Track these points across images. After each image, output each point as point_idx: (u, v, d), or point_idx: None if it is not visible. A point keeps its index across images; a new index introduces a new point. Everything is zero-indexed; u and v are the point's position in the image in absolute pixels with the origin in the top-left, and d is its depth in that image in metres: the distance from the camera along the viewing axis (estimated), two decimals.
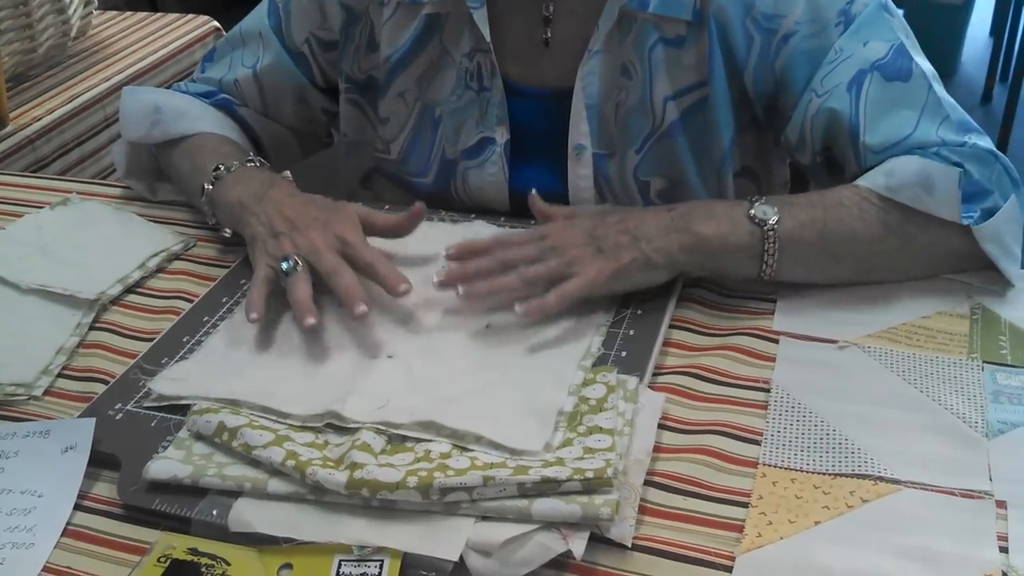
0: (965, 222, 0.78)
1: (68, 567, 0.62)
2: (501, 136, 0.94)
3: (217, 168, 0.90)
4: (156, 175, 1.05)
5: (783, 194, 1.02)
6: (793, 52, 0.86)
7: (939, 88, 0.85)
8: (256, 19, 1.04)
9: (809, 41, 0.85)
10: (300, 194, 0.88)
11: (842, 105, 0.84)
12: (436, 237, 0.91)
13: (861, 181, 0.81)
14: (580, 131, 0.92)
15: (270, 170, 0.93)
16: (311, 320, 0.75)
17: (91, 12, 1.70)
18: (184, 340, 0.79)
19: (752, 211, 0.79)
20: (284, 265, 0.79)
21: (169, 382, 0.74)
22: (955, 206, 0.78)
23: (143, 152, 1.03)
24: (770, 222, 0.78)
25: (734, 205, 0.81)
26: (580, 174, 0.93)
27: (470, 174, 0.96)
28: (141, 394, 0.74)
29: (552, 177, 0.94)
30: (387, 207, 0.97)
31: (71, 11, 1.62)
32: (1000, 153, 0.83)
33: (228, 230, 0.90)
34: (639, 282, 0.80)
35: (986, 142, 0.84)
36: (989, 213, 0.79)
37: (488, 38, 0.91)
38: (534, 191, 0.87)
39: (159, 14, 1.86)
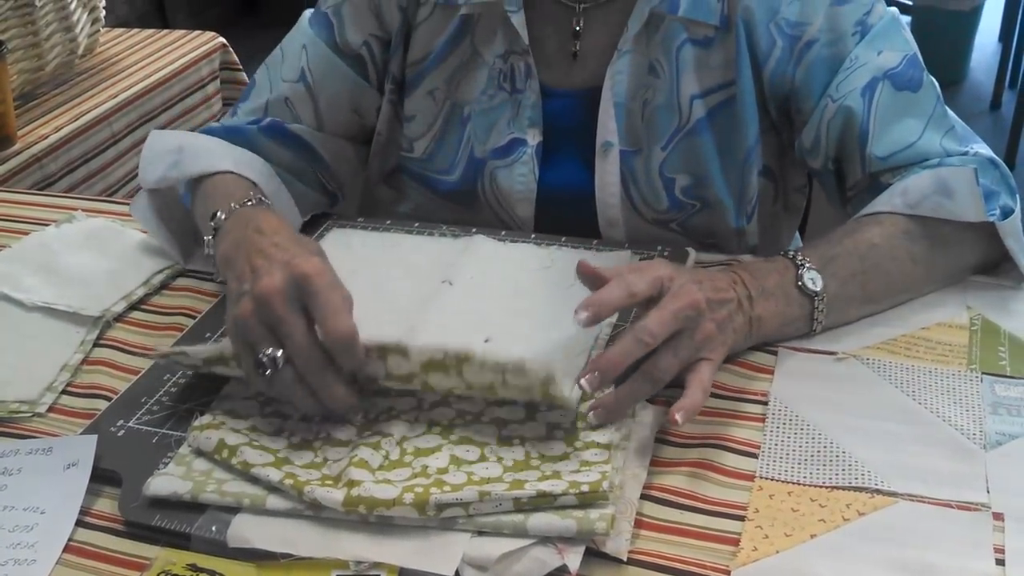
0: (990, 218, 0.79)
1: None
2: (533, 138, 0.95)
3: (215, 216, 0.82)
4: (193, 237, 0.94)
5: (800, 201, 1.03)
6: (814, 59, 0.88)
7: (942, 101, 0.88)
8: (295, 37, 1.00)
9: (828, 49, 0.87)
10: (276, 231, 0.77)
11: (856, 107, 0.86)
12: (436, 251, 0.91)
13: (880, 207, 0.82)
14: (608, 128, 0.93)
15: (264, 207, 0.84)
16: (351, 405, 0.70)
17: (98, 30, 1.73)
18: None
19: (800, 283, 0.77)
20: (263, 361, 0.67)
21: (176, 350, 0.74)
22: (979, 203, 0.78)
23: (177, 209, 0.95)
24: (819, 292, 0.77)
25: (782, 271, 0.77)
26: (608, 171, 0.94)
27: (499, 173, 0.97)
28: (143, 410, 0.74)
29: (580, 173, 0.95)
30: (388, 222, 0.98)
31: (79, 29, 1.64)
32: (1000, 161, 0.85)
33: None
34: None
35: (986, 151, 0.87)
36: (1004, 211, 0.81)
37: (527, 42, 0.92)
38: (583, 261, 0.73)
39: (165, 31, 1.88)
